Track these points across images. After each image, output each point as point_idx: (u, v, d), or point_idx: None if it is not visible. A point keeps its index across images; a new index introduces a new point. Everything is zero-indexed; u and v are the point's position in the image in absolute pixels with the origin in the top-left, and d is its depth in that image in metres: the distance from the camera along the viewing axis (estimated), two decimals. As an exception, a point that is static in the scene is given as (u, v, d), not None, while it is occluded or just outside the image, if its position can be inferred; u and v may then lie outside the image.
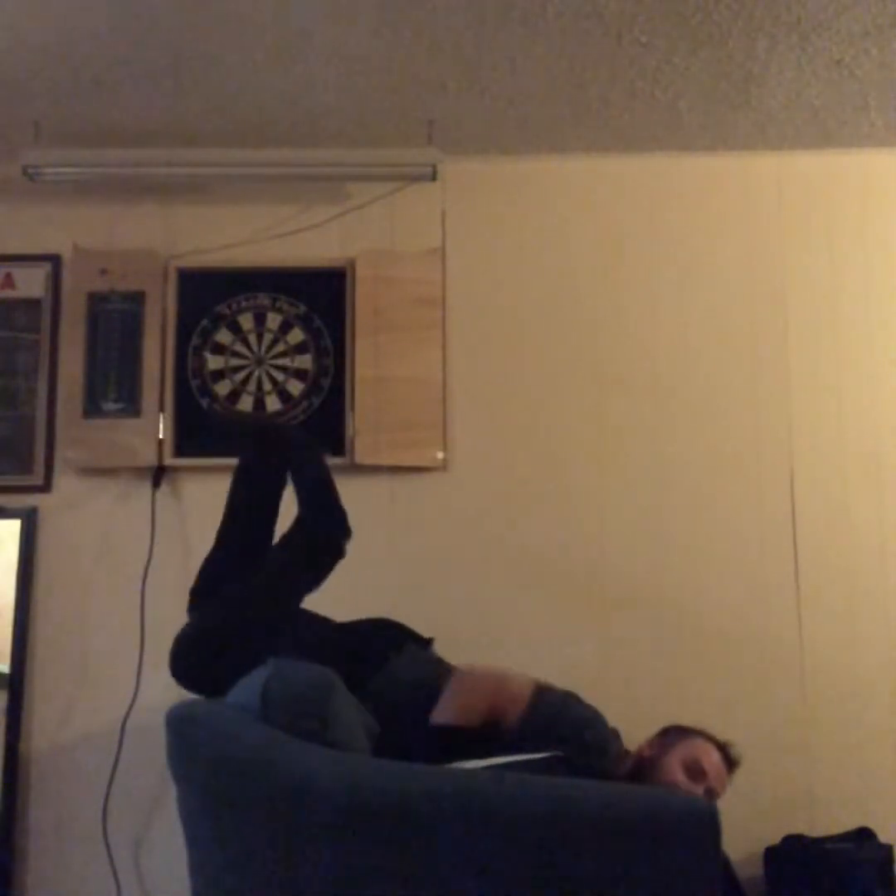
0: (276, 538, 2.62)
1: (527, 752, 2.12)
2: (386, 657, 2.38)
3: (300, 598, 2.52)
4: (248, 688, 2.00)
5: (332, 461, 3.14)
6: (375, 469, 3.15)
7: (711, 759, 2.34)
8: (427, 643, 2.51)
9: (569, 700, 2.35)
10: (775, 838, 2.88)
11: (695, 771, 2.30)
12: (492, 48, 2.72)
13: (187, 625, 2.51)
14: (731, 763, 2.37)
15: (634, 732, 2.78)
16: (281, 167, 3.13)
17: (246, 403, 3.20)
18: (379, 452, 3.13)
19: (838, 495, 3.14)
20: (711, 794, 2.30)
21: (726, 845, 1.72)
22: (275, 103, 2.99)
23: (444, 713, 2.23)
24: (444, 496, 3.16)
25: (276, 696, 1.94)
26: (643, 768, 2.32)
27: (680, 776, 2.28)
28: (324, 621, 2.54)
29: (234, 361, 3.24)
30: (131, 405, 3.17)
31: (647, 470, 3.15)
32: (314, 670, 2.03)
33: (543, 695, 2.31)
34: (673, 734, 2.40)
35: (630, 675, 3.02)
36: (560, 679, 2.39)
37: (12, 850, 2.99)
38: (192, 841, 1.95)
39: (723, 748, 2.38)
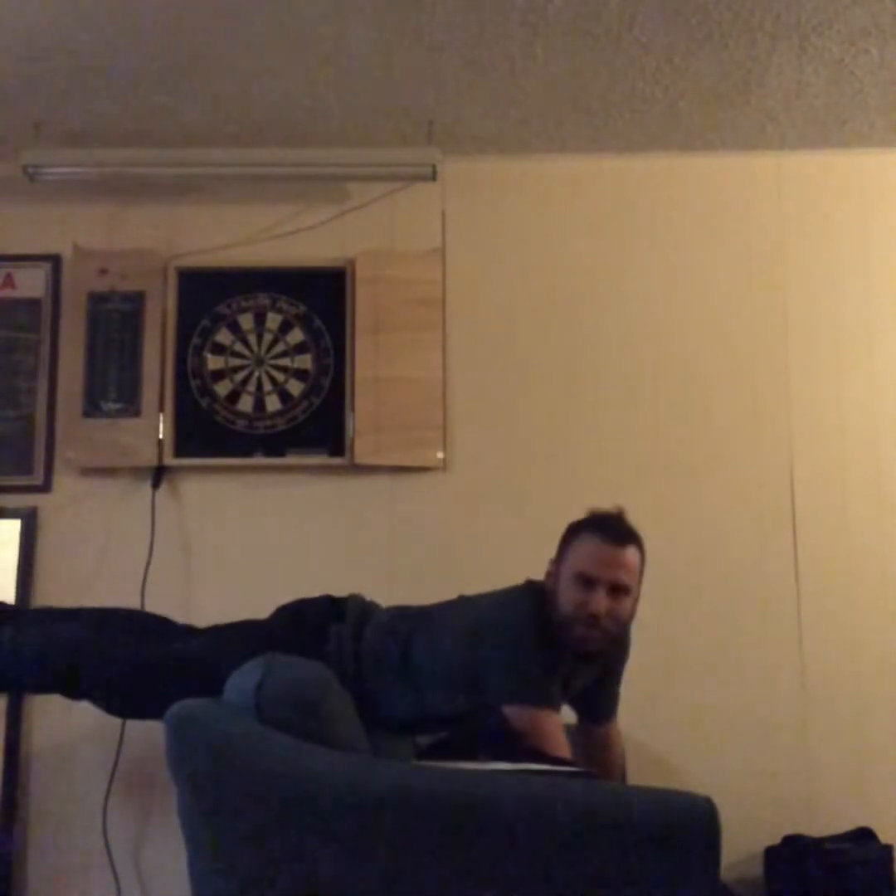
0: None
1: None
2: (325, 634, 2.35)
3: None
4: (241, 687, 2.00)
5: (332, 461, 3.16)
6: (375, 469, 3.15)
7: (595, 554, 2.22)
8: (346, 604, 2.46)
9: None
10: (775, 838, 2.88)
11: (586, 580, 2.20)
12: (492, 48, 2.72)
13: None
14: (621, 537, 2.25)
15: (635, 731, 2.79)
16: (281, 167, 3.13)
17: (246, 403, 3.20)
18: (379, 452, 3.13)
19: (838, 495, 3.13)
20: (618, 588, 2.21)
21: (726, 845, 1.71)
22: (275, 103, 2.99)
23: (557, 751, 2.12)
24: (444, 496, 3.16)
25: (271, 695, 1.94)
26: (555, 606, 2.23)
27: (576, 597, 2.19)
28: (253, 622, 2.51)
29: (234, 361, 3.24)
30: (131, 405, 3.17)
31: (647, 470, 3.15)
32: (307, 668, 2.02)
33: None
34: (560, 548, 2.30)
35: (630, 674, 3.02)
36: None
37: (12, 849, 2.99)
38: (192, 841, 1.95)
39: (607, 530, 2.25)
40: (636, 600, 2.29)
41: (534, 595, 2.30)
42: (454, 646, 2.29)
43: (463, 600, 2.43)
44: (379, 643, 2.35)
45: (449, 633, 2.32)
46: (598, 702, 2.50)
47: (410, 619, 2.40)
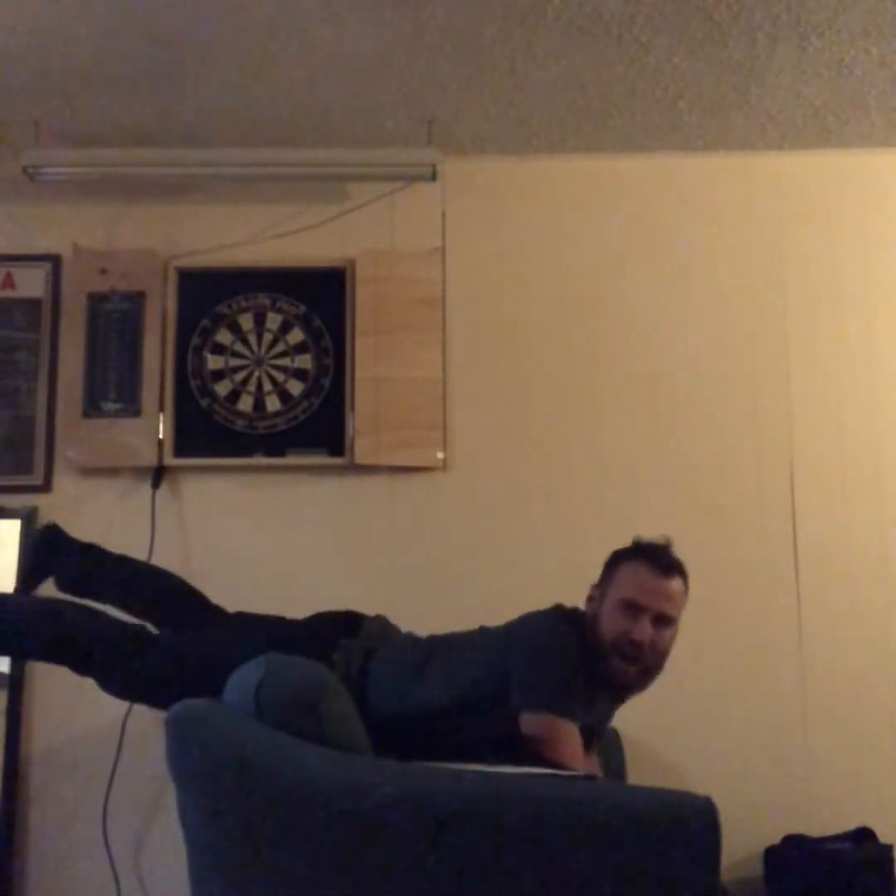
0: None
1: None
2: (335, 644, 2.35)
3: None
4: (241, 687, 2.00)
5: (332, 461, 3.16)
6: (375, 469, 3.15)
7: (643, 582, 2.22)
8: (368, 621, 2.47)
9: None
10: (775, 838, 2.88)
11: (632, 608, 2.20)
12: (492, 48, 2.72)
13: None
14: (669, 568, 2.26)
15: (635, 731, 2.79)
16: (281, 167, 3.13)
17: (246, 403, 3.20)
18: (379, 452, 3.13)
19: (838, 496, 3.13)
20: (663, 619, 2.22)
21: (726, 845, 1.71)
22: (275, 103, 2.99)
23: (571, 761, 2.09)
24: (444, 496, 3.15)
25: (270, 695, 1.94)
26: (595, 632, 2.23)
27: (620, 624, 2.19)
28: (273, 619, 2.52)
29: (234, 361, 3.24)
30: (131, 405, 3.17)
31: (647, 470, 3.15)
32: (307, 668, 2.02)
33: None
34: (604, 575, 2.30)
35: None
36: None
37: (12, 850, 2.99)
38: (192, 841, 1.95)
39: (656, 560, 2.25)
40: (675, 634, 2.28)
41: (568, 617, 2.29)
42: (480, 654, 2.28)
43: (486, 627, 2.41)
44: (394, 659, 2.34)
45: (475, 646, 2.31)
46: (596, 731, 2.43)
47: (431, 640, 2.40)
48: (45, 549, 2.69)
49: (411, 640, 2.44)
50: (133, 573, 2.74)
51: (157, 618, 2.64)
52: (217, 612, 2.63)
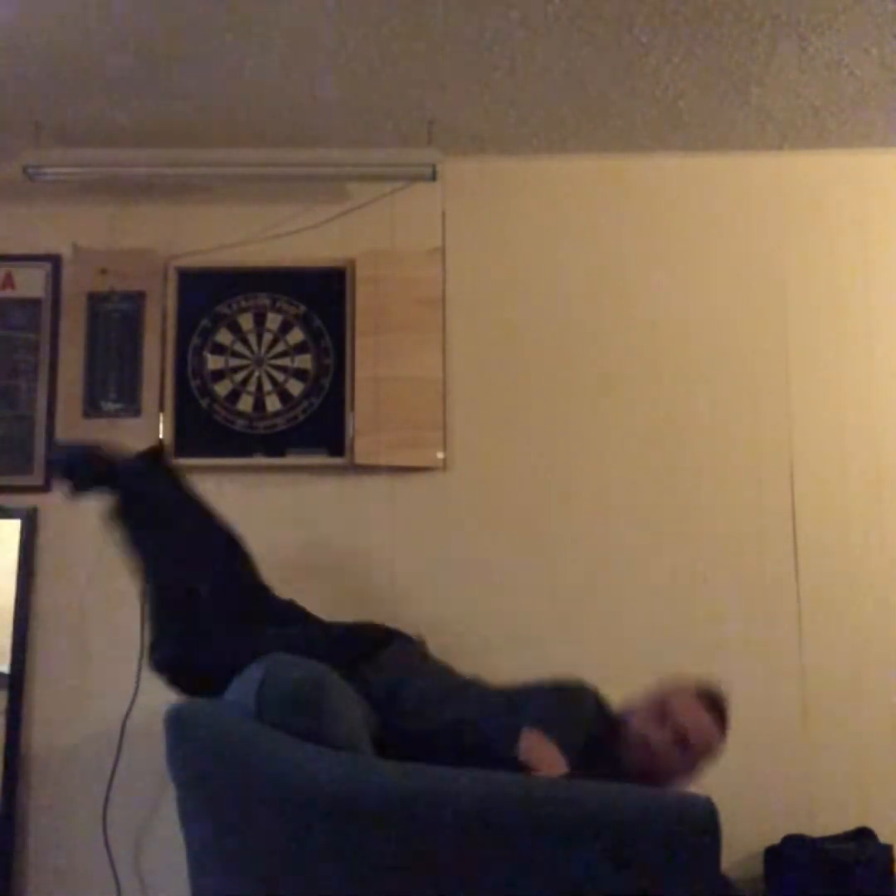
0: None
1: None
2: (375, 649, 2.36)
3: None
4: (243, 687, 2.00)
5: (332, 461, 3.16)
6: (375, 469, 3.15)
7: (679, 700, 2.30)
8: (411, 640, 2.49)
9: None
10: (775, 838, 2.88)
11: (661, 712, 2.27)
12: (492, 48, 2.72)
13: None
14: (713, 704, 2.31)
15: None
16: (281, 167, 3.13)
17: (246, 403, 3.20)
18: (379, 452, 3.14)
19: (838, 495, 3.13)
20: (681, 733, 2.25)
21: (726, 845, 1.71)
22: (275, 103, 2.99)
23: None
24: (444, 496, 3.16)
25: (271, 695, 1.94)
26: (620, 732, 2.28)
27: (643, 721, 2.26)
28: (314, 620, 2.53)
29: (234, 361, 3.24)
30: (131, 405, 3.17)
31: (648, 469, 3.15)
32: (307, 668, 2.02)
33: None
34: (653, 691, 2.37)
35: (632, 675, 3.01)
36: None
37: (12, 849, 2.99)
38: (192, 841, 1.96)
39: (703, 692, 2.32)
40: (687, 772, 2.29)
41: (599, 695, 2.35)
42: (505, 689, 2.31)
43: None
44: (422, 688, 2.32)
45: (503, 686, 2.34)
46: None
47: (464, 683, 2.40)
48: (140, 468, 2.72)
49: (444, 675, 2.43)
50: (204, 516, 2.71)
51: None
52: (267, 596, 2.62)
